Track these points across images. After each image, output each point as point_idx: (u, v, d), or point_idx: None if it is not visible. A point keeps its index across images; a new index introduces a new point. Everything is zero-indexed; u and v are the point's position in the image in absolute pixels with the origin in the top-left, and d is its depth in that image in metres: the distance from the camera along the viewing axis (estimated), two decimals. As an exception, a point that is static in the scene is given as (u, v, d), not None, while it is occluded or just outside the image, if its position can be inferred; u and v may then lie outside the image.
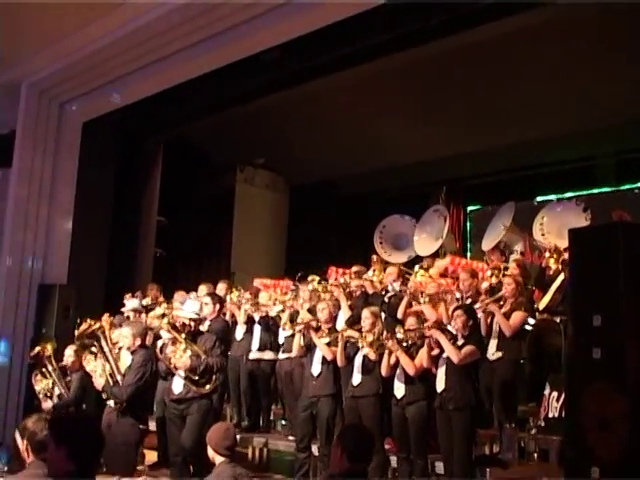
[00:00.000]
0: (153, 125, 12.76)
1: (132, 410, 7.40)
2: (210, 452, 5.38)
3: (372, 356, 7.36)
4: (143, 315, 9.38)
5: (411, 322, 7.29)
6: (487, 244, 10.57)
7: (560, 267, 8.01)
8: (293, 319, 8.46)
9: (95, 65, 10.27)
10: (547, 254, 8.10)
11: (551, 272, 8.28)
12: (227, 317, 9.31)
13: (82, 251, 11.45)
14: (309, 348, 8.08)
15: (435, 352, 7.00)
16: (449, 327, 7.15)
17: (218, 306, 8.69)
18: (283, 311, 8.92)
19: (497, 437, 7.46)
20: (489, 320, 7.77)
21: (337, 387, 7.86)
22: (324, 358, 7.85)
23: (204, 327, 8.26)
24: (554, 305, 7.93)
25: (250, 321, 9.23)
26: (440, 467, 7.00)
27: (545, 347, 7.90)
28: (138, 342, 7.73)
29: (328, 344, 7.75)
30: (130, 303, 9.59)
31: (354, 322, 7.92)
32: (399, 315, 8.07)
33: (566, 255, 7.95)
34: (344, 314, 8.40)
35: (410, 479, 7.11)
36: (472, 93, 11.01)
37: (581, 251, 5.56)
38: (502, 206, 11.02)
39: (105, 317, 8.39)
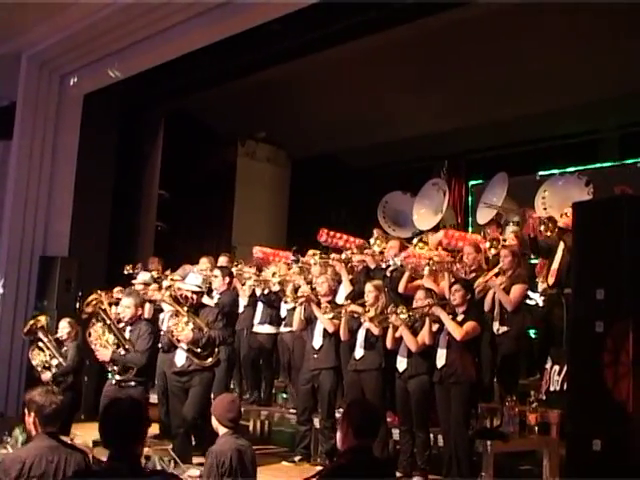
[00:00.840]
0: (154, 98, 12.71)
1: (138, 376, 7.47)
2: (214, 423, 5.41)
3: (375, 331, 7.38)
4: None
5: (420, 296, 7.29)
6: (483, 218, 10.56)
7: (555, 235, 8.02)
8: (295, 292, 8.48)
9: (96, 37, 10.19)
10: (542, 227, 8.08)
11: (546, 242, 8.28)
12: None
13: (83, 224, 11.43)
14: (309, 321, 8.10)
15: (435, 327, 7.02)
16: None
17: (228, 279, 8.72)
18: (285, 285, 8.92)
19: (498, 411, 7.48)
20: (493, 295, 7.78)
21: (338, 360, 7.89)
22: (325, 331, 7.87)
23: (213, 300, 8.28)
24: (560, 279, 7.92)
25: (252, 295, 9.24)
26: (441, 440, 7.03)
27: (554, 320, 7.92)
28: (139, 312, 7.78)
29: (331, 319, 7.76)
30: (141, 276, 9.60)
31: (355, 297, 7.92)
32: (400, 289, 8.06)
33: (561, 224, 7.97)
34: (345, 289, 8.39)
35: (412, 451, 7.16)
36: (475, 66, 10.93)
37: (585, 224, 5.54)
38: (494, 177, 10.99)
39: (100, 293, 8.43)
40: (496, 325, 7.62)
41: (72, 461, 4.28)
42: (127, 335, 7.78)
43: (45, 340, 8.66)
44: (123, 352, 7.62)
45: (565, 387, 6.81)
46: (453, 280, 7.53)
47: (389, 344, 7.28)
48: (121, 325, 7.88)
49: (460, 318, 6.91)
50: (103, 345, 7.70)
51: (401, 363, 7.19)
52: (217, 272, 8.78)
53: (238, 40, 9.69)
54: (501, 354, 7.58)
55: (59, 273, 10.61)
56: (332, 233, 9.98)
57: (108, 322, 7.87)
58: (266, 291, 9.08)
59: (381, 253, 8.76)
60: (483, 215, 10.78)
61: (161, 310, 8.65)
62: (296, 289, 8.58)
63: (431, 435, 7.12)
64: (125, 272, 9.92)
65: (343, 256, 8.92)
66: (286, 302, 8.63)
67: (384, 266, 8.57)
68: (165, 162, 13.10)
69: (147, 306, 8.84)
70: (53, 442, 4.34)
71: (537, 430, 7.22)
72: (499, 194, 10.49)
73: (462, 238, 9.46)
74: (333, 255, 9.05)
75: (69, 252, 11.16)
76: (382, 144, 13.32)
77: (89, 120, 11.56)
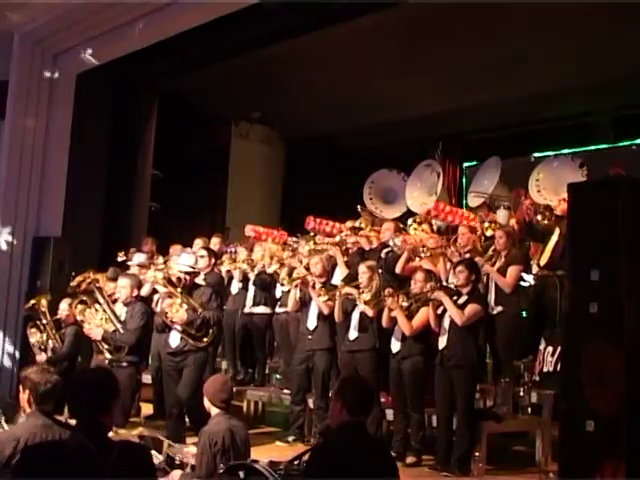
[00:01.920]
0: (148, 78, 12.62)
1: (132, 354, 7.48)
2: (206, 403, 5.44)
3: (369, 313, 7.39)
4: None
5: (419, 278, 7.28)
6: (474, 201, 10.55)
7: (552, 222, 8.04)
8: (290, 275, 8.47)
9: (89, 15, 10.09)
10: (539, 216, 8.11)
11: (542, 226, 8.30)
12: (223, 272, 9.31)
13: (77, 204, 11.38)
14: (304, 303, 8.11)
15: (439, 311, 7.03)
16: (450, 284, 7.16)
17: (213, 260, 8.71)
18: (280, 267, 8.91)
19: (492, 391, 7.51)
20: (488, 275, 7.80)
21: (333, 341, 7.90)
22: (320, 312, 7.88)
23: (199, 280, 8.27)
24: (553, 262, 7.94)
25: (245, 278, 9.24)
26: (435, 421, 7.07)
27: (547, 302, 7.94)
28: (135, 293, 7.79)
29: (326, 301, 7.77)
30: (137, 257, 9.58)
31: (351, 280, 7.92)
32: (397, 270, 8.05)
33: (558, 212, 7.99)
34: (341, 272, 8.38)
35: (405, 432, 7.19)
36: (471, 48, 10.90)
37: (580, 205, 5.54)
38: (487, 161, 10.97)
39: (94, 272, 8.43)
40: (491, 305, 7.63)
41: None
42: (123, 315, 7.79)
43: (44, 321, 8.66)
44: (114, 330, 7.64)
45: (558, 368, 6.83)
46: (456, 261, 7.53)
47: (385, 323, 7.29)
48: (116, 305, 7.90)
49: (463, 300, 6.92)
50: (97, 324, 7.71)
51: (395, 344, 7.22)
52: (203, 252, 8.75)
53: (232, 20, 9.63)
54: (497, 335, 7.60)
55: (52, 253, 10.57)
56: (319, 220, 9.96)
57: (102, 301, 7.88)
58: (256, 271, 9.07)
59: (376, 238, 8.77)
60: (474, 199, 10.78)
61: (155, 291, 8.64)
62: (291, 272, 8.57)
63: (425, 416, 7.16)
64: (119, 259, 9.85)
65: (337, 239, 8.92)
66: (282, 284, 8.62)
67: (379, 248, 8.59)
68: (159, 142, 13.04)
69: (147, 286, 8.83)
70: (47, 420, 4.34)
71: (530, 411, 7.26)
72: (491, 179, 10.46)
73: (452, 213, 9.46)
74: (327, 239, 9.05)
75: (62, 232, 11.11)
76: (376, 125, 13.30)
77: (82, 99, 11.47)
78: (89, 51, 10.81)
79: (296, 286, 8.13)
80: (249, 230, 10.42)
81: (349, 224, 9.39)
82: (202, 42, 10.67)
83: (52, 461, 2.70)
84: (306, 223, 9.96)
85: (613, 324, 5.11)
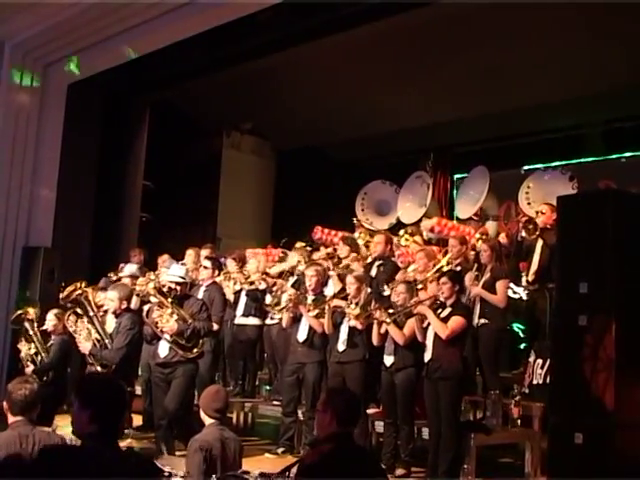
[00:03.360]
0: (139, 88, 12.64)
1: (119, 372, 7.42)
2: (201, 413, 5.42)
3: (359, 326, 7.38)
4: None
5: (401, 289, 7.29)
6: (463, 212, 10.59)
7: (536, 236, 8.09)
8: (278, 303, 8.43)
9: (80, 26, 10.09)
10: (524, 232, 8.15)
11: (528, 242, 8.34)
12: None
13: (67, 214, 11.37)
14: (296, 318, 8.10)
15: (425, 324, 7.03)
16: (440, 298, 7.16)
17: (217, 271, 8.71)
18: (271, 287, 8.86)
19: (482, 403, 7.51)
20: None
21: (323, 354, 7.89)
22: (310, 326, 7.87)
23: (200, 290, 8.26)
24: (541, 275, 7.96)
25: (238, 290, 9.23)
26: (426, 433, 7.05)
27: (537, 314, 7.96)
28: (124, 305, 7.74)
29: (316, 316, 7.76)
30: (128, 268, 9.56)
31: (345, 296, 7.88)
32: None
33: (541, 225, 8.04)
34: (334, 286, 8.35)
35: (395, 444, 7.17)
36: (460, 60, 10.93)
37: (569, 218, 5.56)
38: (473, 171, 11.00)
39: (84, 284, 8.40)
40: (476, 318, 7.63)
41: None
42: (113, 325, 7.75)
43: (31, 332, 8.62)
44: (100, 347, 7.61)
45: (548, 380, 6.84)
46: (440, 272, 7.54)
47: (375, 341, 7.27)
48: (101, 314, 7.86)
49: (446, 312, 6.91)
50: (86, 337, 7.68)
51: (388, 358, 7.20)
52: (207, 263, 8.74)
53: (223, 31, 9.66)
54: (480, 347, 7.60)
55: (42, 263, 10.54)
56: (327, 231, 9.98)
57: (91, 314, 7.85)
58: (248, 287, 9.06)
59: (366, 246, 8.78)
60: (463, 211, 10.82)
61: (146, 302, 8.61)
62: (279, 298, 8.52)
63: (415, 428, 7.15)
64: (113, 278, 9.78)
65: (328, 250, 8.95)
66: (271, 309, 8.57)
67: (370, 260, 8.60)
68: (150, 153, 13.05)
69: (134, 298, 8.83)
70: (25, 430, 4.35)
71: (520, 423, 7.26)
72: (479, 188, 10.50)
73: (454, 228, 9.49)
74: (319, 254, 9.06)
75: (52, 243, 11.09)
76: (368, 137, 13.32)
77: (73, 110, 11.47)
78: (80, 62, 10.79)
79: (287, 309, 8.12)
80: (249, 253, 10.11)
81: (345, 235, 9.44)
82: (194, 53, 10.69)
83: (69, 465, 2.72)
84: (313, 233, 9.97)
85: (602, 336, 5.13)
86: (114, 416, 3.53)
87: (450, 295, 6.94)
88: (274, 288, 8.70)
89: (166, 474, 5.58)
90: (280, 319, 8.47)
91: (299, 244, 9.31)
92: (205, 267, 8.62)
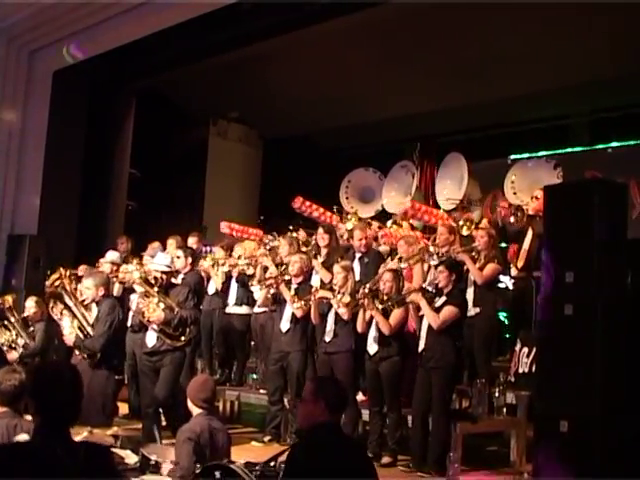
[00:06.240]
0: (125, 76, 12.56)
1: (106, 361, 7.41)
2: (188, 403, 5.43)
3: (345, 316, 7.39)
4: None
5: (387, 278, 7.30)
6: (446, 205, 10.60)
7: (524, 223, 8.11)
8: (262, 277, 8.45)
9: (66, 12, 10.06)
10: (512, 218, 8.17)
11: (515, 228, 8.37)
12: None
13: (52, 202, 11.32)
14: (277, 301, 8.10)
15: (421, 312, 7.05)
16: (428, 287, 7.17)
17: (190, 259, 8.69)
18: (255, 267, 8.89)
19: (467, 392, 7.54)
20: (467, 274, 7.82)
21: (306, 342, 7.92)
22: (293, 315, 7.88)
23: (178, 280, 8.23)
24: (530, 263, 7.99)
25: (227, 277, 9.20)
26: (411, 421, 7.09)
27: (524, 303, 7.99)
28: (102, 292, 7.68)
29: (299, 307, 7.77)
30: (109, 255, 9.51)
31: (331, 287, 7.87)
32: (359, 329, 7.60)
33: (530, 211, 8.05)
34: (324, 277, 8.32)
35: (381, 432, 7.21)
36: (447, 50, 10.94)
37: (555, 208, 5.58)
38: (447, 157, 11.00)
39: (63, 271, 8.33)
40: (468, 306, 7.65)
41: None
42: (94, 313, 7.73)
43: (12, 319, 8.58)
44: (84, 336, 7.58)
45: (534, 369, 6.88)
46: (438, 262, 7.54)
47: (360, 328, 7.30)
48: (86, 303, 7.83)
49: (441, 301, 6.93)
50: (70, 329, 7.66)
51: (372, 346, 7.22)
52: (179, 253, 8.72)
53: (209, 18, 9.63)
54: (475, 335, 7.62)
55: (28, 252, 10.52)
56: (308, 203, 9.95)
57: (70, 303, 7.81)
58: (236, 273, 9.05)
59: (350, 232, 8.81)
60: (446, 204, 10.84)
61: (132, 290, 8.59)
62: (263, 273, 8.55)
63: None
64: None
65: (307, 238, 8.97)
66: (252, 285, 8.61)
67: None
68: (136, 141, 13.00)
69: (116, 286, 8.79)
70: (12, 421, 4.34)
71: (505, 412, 7.29)
72: (455, 177, 10.53)
73: (428, 212, 9.49)
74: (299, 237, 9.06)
75: (38, 231, 11.04)
76: (354, 125, 13.30)
77: (59, 97, 11.41)
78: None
79: (267, 287, 8.13)
80: (224, 227, 10.37)
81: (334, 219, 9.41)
82: (180, 41, 10.65)
83: (13, 462, 2.66)
84: (294, 202, 9.94)
85: (587, 326, 5.16)
86: (60, 407, 3.29)
87: (447, 284, 6.97)
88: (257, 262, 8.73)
89: (152, 462, 5.61)
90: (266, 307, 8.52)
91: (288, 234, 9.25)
92: (178, 257, 8.59)
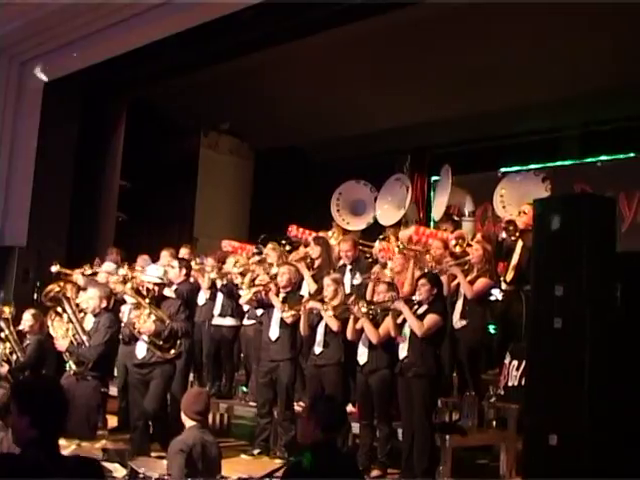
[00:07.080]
0: (116, 87, 12.55)
1: (94, 371, 7.39)
2: (182, 415, 5.40)
3: (335, 327, 7.39)
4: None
5: (382, 289, 7.30)
6: (437, 213, 10.64)
7: (516, 237, 8.14)
8: (253, 281, 8.44)
9: (57, 24, 10.07)
10: (504, 233, 8.20)
11: (508, 243, 8.40)
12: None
13: (42, 213, 11.28)
14: (263, 304, 8.07)
15: (399, 320, 7.03)
16: (414, 297, 7.16)
17: (185, 270, 8.68)
18: (244, 275, 8.87)
19: (457, 405, 7.54)
20: (453, 284, 7.82)
21: (295, 351, 7.89)
22: (282, 321, 7.85)
23: (170, 291, 8.22)
24: (519, 276, 8.01)
25: (213, 287, 9.19)
26: (401, 434, 7.07)
27: (513, 316, 8.00)
28: (104, 304, 7.69)
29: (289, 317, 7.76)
30: (106, 265, 9.49)
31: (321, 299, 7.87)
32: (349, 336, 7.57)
33: (522, 226, 8.09)
34: (310, 287, 8.35)
35: (371, 445, 7.18)
36: (439, 62, 10.98)
37: (545, 221, 5.60)
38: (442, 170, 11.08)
39: (63, 284, 8.33)
40: (456, 319, 7.65)
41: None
42: (90, 325, 7.71)
43: (7, 332, 8.54)
44: (79, 343, 7.56)
45: (523, 382, 6.88)
46: (420, 274, 7.54)
47: (349, 335, 7.28)
48: (81, 315, 7.80)
49: (423, 310, 6.91)
50: (63, 335, 7.63)
51: (362, 355, 7.18)
52: (174, 263, 8.72)
53: (202, 30, 9.64)
54: (462, 348, 7.62)
55: (17, 263, 10.47)
56: (302, 230, 9.97)
57: (69, 311, 7.79)
58: (225, 282, 9.03)
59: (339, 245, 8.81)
60: (437, 212, 10.88)
61: (123, 302, 8.56)
62: (254, 279, 8.54)
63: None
64: (87, 272, 9.70)
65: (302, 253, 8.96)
66: (241, 289, 8.57)
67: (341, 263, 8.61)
68: (127, 152, 12.96)
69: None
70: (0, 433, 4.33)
71: (495, 425, 7.30)
72: (446, 187, 10.59)
73: (432, 235, 9.50)
74: (292, 256, 9.06)
75: (27, 242, 11.00)
76: (346, 137, 13.33)
77: (50, 108, 11.40)
78: (57, 60, 10.72)
79: (256, 292, 8.12)
80: (226, 245, 10.33)
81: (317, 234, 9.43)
82: (171, 52, 10.65)
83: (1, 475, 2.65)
84: (288, 230, 9.97)
85: (577, 339, 5.17)
86: (54, 420, 3.36)
87: (427, 297, 6.93)
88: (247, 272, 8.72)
89: (141, 476, 5.57)
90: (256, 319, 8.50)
91: (270, 245, 9.26)
92: (172, 267, 8.59)
